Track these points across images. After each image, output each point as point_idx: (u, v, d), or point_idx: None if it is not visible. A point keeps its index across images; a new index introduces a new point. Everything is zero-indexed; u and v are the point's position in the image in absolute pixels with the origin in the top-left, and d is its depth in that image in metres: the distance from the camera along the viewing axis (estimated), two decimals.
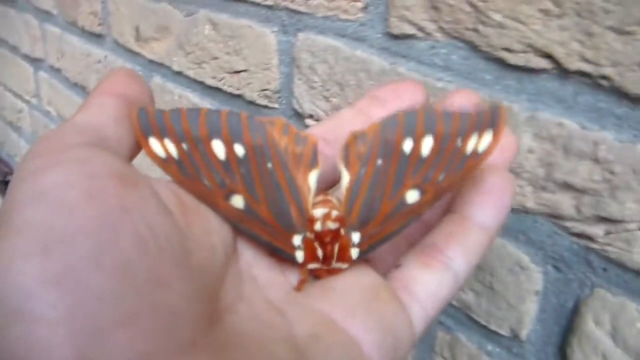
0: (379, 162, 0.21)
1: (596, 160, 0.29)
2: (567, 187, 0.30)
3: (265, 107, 0.47)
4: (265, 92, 0.46)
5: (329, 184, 0.24)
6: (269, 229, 0.20)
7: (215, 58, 0.50)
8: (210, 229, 0.19)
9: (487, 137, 0.20)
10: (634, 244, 0.28)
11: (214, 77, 0.51)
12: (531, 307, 0.33)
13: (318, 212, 0.21)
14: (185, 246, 0.17)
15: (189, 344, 0.15)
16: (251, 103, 0.49)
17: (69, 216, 0.15)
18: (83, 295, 0.14)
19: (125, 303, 0.14)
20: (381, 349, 0.19)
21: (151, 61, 0.61)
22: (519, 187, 0.32)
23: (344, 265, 0.21)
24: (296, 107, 0.44)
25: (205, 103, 0.54)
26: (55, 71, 0.85)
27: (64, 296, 0.14)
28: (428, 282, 0.21)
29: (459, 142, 0.21)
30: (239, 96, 0.50)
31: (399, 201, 0.21)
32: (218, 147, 0.20)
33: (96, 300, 0.14)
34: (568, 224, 0.31)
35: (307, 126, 0.44)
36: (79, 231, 0.14)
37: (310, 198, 0.21)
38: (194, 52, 0.53)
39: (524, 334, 0.34)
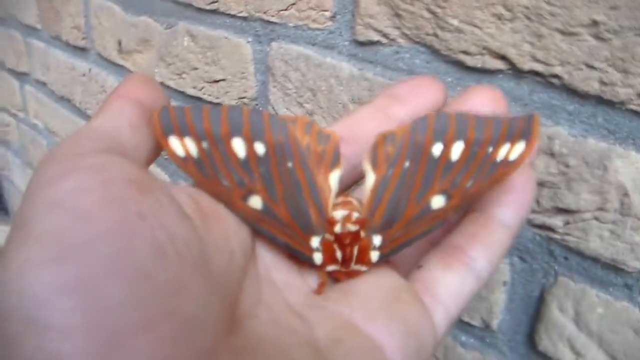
0: (407, 164, 0.21)
1: (552, 154, 0.30)
2: None
3: None
4: (243, 99, 0.48)
5: (346, 184, 0.23)
6: (287, 230, 0.20)
7: (195, 68, 0.52)
8: (229, 234, 0.19)
9: (520, 147, 0.20)
10: (590, 232, 0.30)
11: (194, 87, 0.53)
12: (500, 298, 0.35)
13: (338, 213, 0.21)
14: (204, 252, 0.17)
15: (209, 350, 0.15)
16: None
17: (85, 223, 0.14)
18: (99, 303, 0.13)
19: (143, 310, 0.14)
20: (404, 352, 0.19)
21: (135, 73, 0.62)
22: None
23: (364, 268, 0.21)
24: (272, 113, 0.45)
25: None
26: (41, 85, 0.86)
27: (80, 304, 0.13)
28: (450, 283, 0.21)
29: (490, 149, 0.20)
30: (218, 104, 0.51)
31: (425, 206, 0.20)
32: (238, 146, 0.20)
33: (113, 308, 0.13)
34: (530, 216, 0.32)
35: None
36: (95, 238, 0.14)
37: (331, 199, 0.21)
38: (175, 63, 0.54)
39: (494, 323, 0.36)
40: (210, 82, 0.51)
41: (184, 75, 0.54)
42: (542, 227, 0.32)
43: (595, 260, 0.30)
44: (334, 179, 0.21)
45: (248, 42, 0.45)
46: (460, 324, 0.37)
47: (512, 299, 0.34)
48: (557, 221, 0.31)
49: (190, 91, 0.53)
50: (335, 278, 0.21)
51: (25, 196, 0.15)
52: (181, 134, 0.19)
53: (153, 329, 0.14)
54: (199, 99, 0.53)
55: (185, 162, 0.19)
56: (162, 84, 0.57)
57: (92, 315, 0.13)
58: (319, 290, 0.20)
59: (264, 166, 0.20)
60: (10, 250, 0.14)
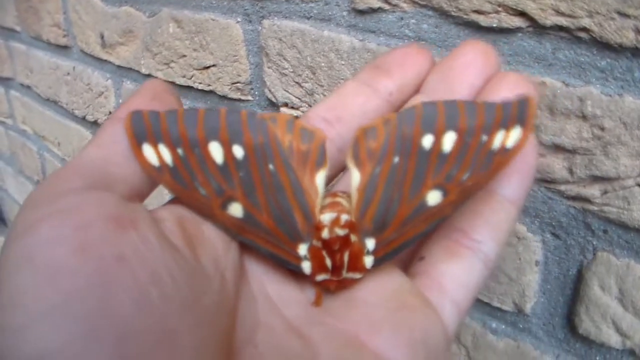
0: (396, 159, 0.19)
1: (584, 117, 0.27)
2: (557, 148, 0.28)
3: (239, 100, 0.46)
4: (237, 85, 0.45)
5: (332, 171, 0.21)
6: (271, 238, 0.19)
7: (183, 56, 0.48)
8: (217, 255, 0.18)
9: (516, 132, 0.18)
10: (633, 201, 0.27)
11: (183, 76, 0.50)
12: (533, 279, 0.32)
13: (326, 217, 0.19)
14: (193, 285, 0.16)
15: None
16: (224, 97, 0.47)
17: (58, 281, 0.13)
18: None
19: None
20: None
21: (119, 67, 0.59)
22: None
23: (357, 276, 0.19)
24: (269, 96, 0.42)
25: None
26: (26, 88, 0.83)
27: None
28: (457, 273, 0.20)
29: (484, 137, 0.19)
30: (210, 92, 0.48)
31: (419, 203, 0.19)
32: (215, 150, 0.18)
33: None
34: (562, 187, 0.29)
35: None
36: (70, 297, 0.13)
37: (318, 201, 0.19)
38: (161, 52, 0.51)
39: (528, 307, 0.33)
40: (200, 69, 0.47)
41: (172, 65, 0.50)
42: (576, 198, 0.29)
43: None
44: (320, 179, 0.19)
45: (237, 22, 0.42)
46: (490, 310, 0.35)
47: (547, 280, 0.32)
48: (593, 191, 0.28)
49: (180, 80, 0.50)
50: (327, 288, 0.19)
51: (3, 246, 0.15)
52: (155, 141, 0.18)
53: None
54: (189, 88, 0.50)
55: (159, 172, 0.18)
56: (149, 75, 0.54)
57: None
58: (317, 303, 0.19)
59: (243, 170, 0.19)
60: None
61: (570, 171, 0.28)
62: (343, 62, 0.36)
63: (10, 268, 0.14)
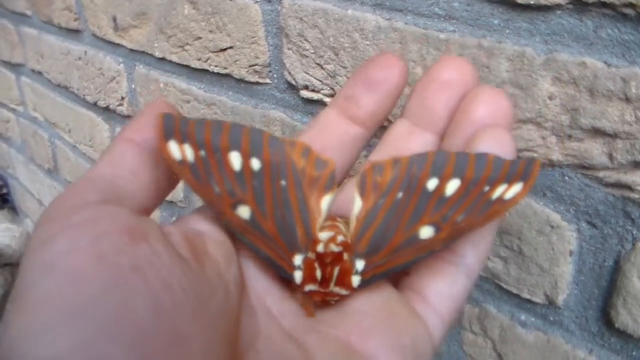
0: (399, 195, 0.21)
1: (627, 99, 0.25)
2: (597, 132, 0.27)
3: (256, 83, 0.44)
4: (255, 67, 0.43)
5: None
6: (271, 244, 0.20)
7: (198, 38, 0.47)
8: (220, 270, 0.19)
9: (517, 187, 0.20)
10: None
11: (198, 59, 0.48)
12: (566, 270, 0.31)
13: (324, 235, 0.21)
14: (201, 294, 0.17)
15: None
16: (241, 81, 0.45)
17: (79, 286, 0.15)
18: None
19: None
20: None
21: (132, 50, 0.57)
22: (541, 138, 0.29)
23: (343, 292, 0.20)
24: (289, 79, 0.41)
25: (193, 88, 0.51)
26: (37, 74, 0.81)
27: None
28: (440, 287, 0.21)
29: (486, 188, 0.20)
30: (227, 75, 0.46)
31: (412, 235, 0.20)
32: (235, 159, 0.20)
33: None
34: (601, 174, 0.28)
35: (302, 98, 0.41)
36: (90, 300, 0.14)
37: (319, 220, 0.21)
38: (176, 34, 0.49)
39: (560, 299, 0.31)
40: (216, 52, 0.46)
41: (186, 47, 0.49)
42: (615, 185, 0.27)
43: None
44: (325, 202, 0.21)
45: (256, 2, 0.41)
46: (519, 301, 0.33)
47: (581, 271, 0.30)
48: (635, 178, 0.27)
49: (195, 64, 0.49)
50: (313, 300, 0.20)
51: (24, 257, 0.16)
52: (181, 140, 0.20)
53: None
54: (205, 71, 0.48)
55: (180, 165, 0.19)
56: (163, 59, 0.53)
57: None
58: (309, 313, 0.20)
59: (257, 180, 0.20)
60: (10, 317, 0.14)
61: (610, 157, 0.27)
62: (368, 43, 0.34)
63: (32, 276, 0.15)
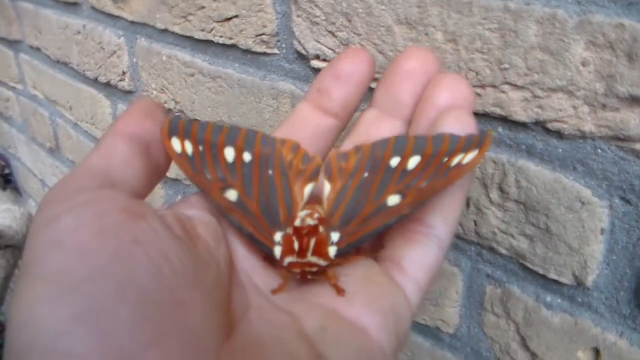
0: (365, 174, 0.23)
1: None
2: (634, 101, 0.25)
3: (264, 54, 0.42)
4: (262, 37, 0.41)
5: None
6: (254, 222, 0.22)
7: (202, 7, 0.45)
8: (211, 249, 0.20)
9: (472, 154, 0.21)
10: None
11: (202, 30, 0.46)
12: (597, 249, 0.29)
13: (302, 212, 0.23)
14: (196, 267, 0.18)
15: (214, 356, 0.17)
16: (247, 52, 0.43)
17: (85, 258, 0.16)
18: (110, 327, 0.15)
19: (150, 329, 0.16)
20: (386, 328, 0.21)
21: (133, 23, 0.55)
22: (572, 108, 0.27)
23: (321, 262, 0.21)
24: (298, 48, 0.39)
25: (197, 60, 0.49)
26: (35, 51, 0.79)
27: (93, 331, 0.15)
28: (414, 256, 0.23)
29: (445, 159, 0.21)
30: (232, 46, 0.44)
31: (380, 204, 0.22)
32: (229, 153, 0.23)
33: (123, 330, 0.15)
34: (637, 146, 0.26)
35: (313, 68, 0.39)
36: (97, 270, 0.16)
37: (301, 204, 0.23)
38: (178, 4, 0.47)
39: (590, 280, 0.29)
40: (220, 21, 0.44)
41: (189, 17, 0.47)
42: None
43: None
44: (308, 190, 0.23)
45: None
46: (545, 282, 0.31)
47: (612, 250, 0.28)
48: None
49: (199, 35, 0.46)
50: (293, 273, 0.22)
51: (29, 238, 0.17)
52: (183, 138, 0.23)
53: (161, 343, 0.15)
54: (209, 42, 0.46)
55: (179, 157, 0.22)
56: (165, 30, 0.50)
57: (105, 339, 0.15)
58: (279, 288, 0.22)
59: (246, 169, 0.23)
60: (21, 291, 0.16)
61: None
62: (384, 7, 0.32)
63: (41, 252, 0.16)
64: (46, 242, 0.17)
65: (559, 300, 0.31)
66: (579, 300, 0.30)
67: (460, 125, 0.22)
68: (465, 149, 0.21)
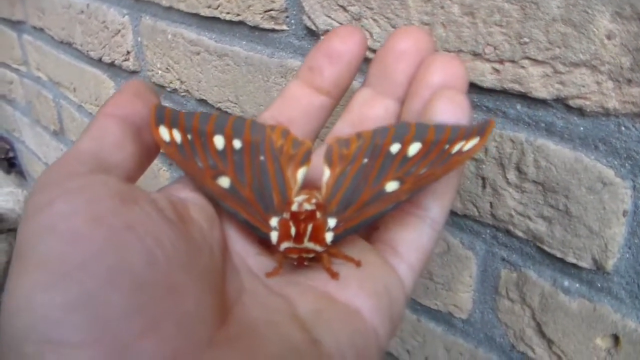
0: (365, 160, 0.23)
1: None
2: None
3: (272, 30, 0.41)
4: (270, 12, 0.40)
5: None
6: (249, 208, 0.22)
7: None
8: (204, 233, 0.20)
9: (473, 141, 0.21)
10: None
11: (208, 6, 0.45)
12: (618, 232, 0.28)
13: (299, 197, 0.22)
14: (189, 251, 0.18)
15: (208, 341, 0.17)
16: (255, 28, 0.42)
17: (78, 244, 0.16)
18: (105, 314, 0.15)
19: (144, 315, 0.16)
20: (379, 310, 0.21)
21: (137, 0, 0.54)
22: (596, 83, 0.26)
23: (318, 247, 0.21)
24: (308, 24, 0.37)
25: (203, 38, 0.47)
26: (39, 31, 0.78)
27: (88, 319, 0.15)
28: (408, 238, 0.23)
29: (446, 146, 0.21)
30: (240, 23, 0.43)
31: (379, 190, 0.22)
32: (218, 141, 0.23)
33: (117, 317, 0.15)
34: None
35: None
36: (90, 256, 0.16)
37: (295, 189, 0.23)
38: None
39: (610, 264, 0.28)
40: None
41: None
42: None
43: None
44: (301, 174, 0.23)
45: None
46: (563, 266, 0.30)
47: (635, 233, 0.27)
48: None
49: (205, 12, 0.45)
50: (289, 259, 0.22)
51: (22, 222, 0.17)
52: (171, 126, 0.22)
53: (155, 329, 0.16)
54: (215, 19, 0.45)
55: (168, 145, 0.22)
56: (170, 8, 0.49)
57: (100, 326, 0.15)
58: (273, 273, 0.22)
59: (238, 156, 0.23)
60: (15, 278, 0.16)
61: None
62: None
63: (33, 237, 0.16)
64: (40, 227, 0.16)
65: (577, 285, 0.30)
66: (599, 285, 0.29)
67: (453, 105, 0.22)
68: (467, 137, 0.21)
